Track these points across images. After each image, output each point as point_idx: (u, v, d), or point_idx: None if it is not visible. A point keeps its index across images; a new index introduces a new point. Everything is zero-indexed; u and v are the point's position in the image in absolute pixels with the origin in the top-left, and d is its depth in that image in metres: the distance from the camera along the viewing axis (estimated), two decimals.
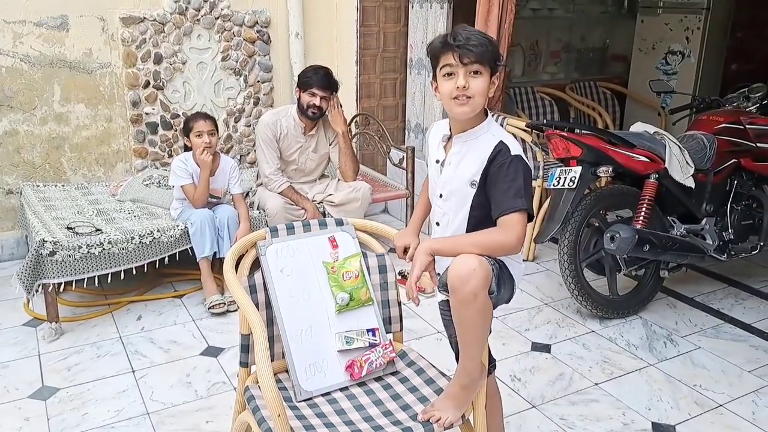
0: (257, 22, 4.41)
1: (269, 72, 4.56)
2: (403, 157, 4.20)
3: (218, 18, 4.27)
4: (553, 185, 3.33)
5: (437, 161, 1.96)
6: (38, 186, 3.94)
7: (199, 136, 3.47)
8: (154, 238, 3.39)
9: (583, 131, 3.36)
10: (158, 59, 4.14)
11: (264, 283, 2.04)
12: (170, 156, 4.28)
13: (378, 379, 2.09)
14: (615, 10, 6.44)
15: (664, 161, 3.32)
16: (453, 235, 1.92)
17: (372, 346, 2.08)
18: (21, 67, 3.84)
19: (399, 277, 2.34)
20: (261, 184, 3.90)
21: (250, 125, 4.55)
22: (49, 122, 3.98)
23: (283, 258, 2.09)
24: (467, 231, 1.89)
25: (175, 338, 3.23)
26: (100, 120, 4.12)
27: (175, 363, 3.02)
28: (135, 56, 4.08)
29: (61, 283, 3.18)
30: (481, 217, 1.85)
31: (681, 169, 3.36)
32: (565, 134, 3.30)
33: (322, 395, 2.01)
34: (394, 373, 2.11)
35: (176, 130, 4.28)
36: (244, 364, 2.03)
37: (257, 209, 3.82)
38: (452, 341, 2.00)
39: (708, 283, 3.92)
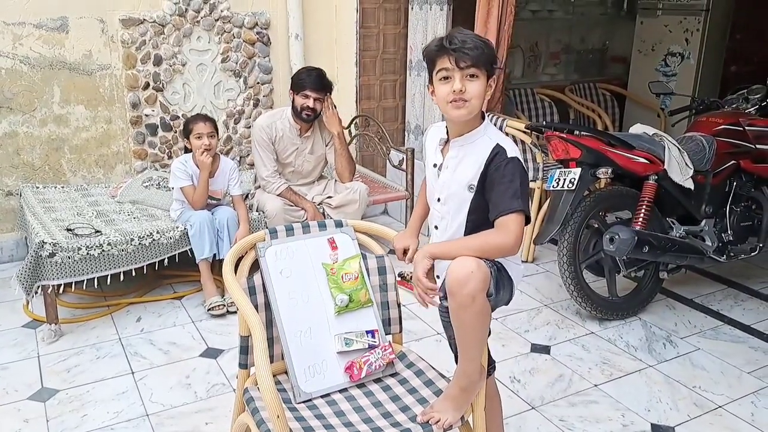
0: (257, 24, 4.42)
1: (269, 74, 4.56)
2: (403, 158, 4.20)
3: (218, 20, 4.27)
4: (553, 187, 3.33)
5: (434, 165, 1.96)
6: (38, 187, 3.94)
7: (198, 137, 3.47)
8: (154, 239, 3.39)
9: (582, 133, 3.36)
10: (158, 61, 4.15)
11: (263, 284, 2.05)
12: (170, 158, 4.28)
13: (377, 380, 2.09)
14: (614, 12, 6.44)
15: (663, 163, 3.32)
16: (451, 238, 1.92)
17: (371, 347, 2.08)
18: (21, 69, 3.84)
19: (398, 279, 2.34)
20: (260, 186, 3.90)
21: (249, 127, 4.55)
22: (49, 124, 3.98)
23: (283, 259, 2.09)
24: (465, 234, 1.89)
25: (175, 340, 3.23)
26: (100, 122, 4.12)
27: (174, 364, 3.02)
28: (135, 58, 4.08)
29: (61, 284, 3.18)
30: (479, 220, 1.85)
31: (680, 170, 3.36)
32: (565, 136, 3.31)
33: (322, 397, 2.01)
34: (393, 375, 2.11)
35: (176, 132, 4.28)
36: (244, 365, 2.03)
37: (256, 211, 3.82)
38: (451, 343, 2.00)
39: (707, 285, 3.92)
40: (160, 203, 3.80)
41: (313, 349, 2.04)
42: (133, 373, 2.94)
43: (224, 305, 3.44)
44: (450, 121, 1.89)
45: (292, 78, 3.83)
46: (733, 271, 4.03)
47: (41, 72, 3.89)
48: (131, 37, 4.04)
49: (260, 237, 2.11)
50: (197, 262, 3.48)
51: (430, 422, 1.84)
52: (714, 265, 3.79)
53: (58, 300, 3.30)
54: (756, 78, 4.38)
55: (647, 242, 3.21)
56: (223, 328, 3.33)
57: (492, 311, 1.85)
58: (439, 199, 1.95)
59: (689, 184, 3.39)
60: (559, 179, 3.30)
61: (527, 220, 1.80)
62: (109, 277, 3.32)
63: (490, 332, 1.93)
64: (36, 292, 3.13)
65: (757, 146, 3.62)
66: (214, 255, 3.49)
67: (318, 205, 3.87)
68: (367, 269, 2.18)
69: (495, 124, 4.03)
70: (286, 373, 2.04)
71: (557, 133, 3.34)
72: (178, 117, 4.27)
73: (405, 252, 2.12)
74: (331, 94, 3.80)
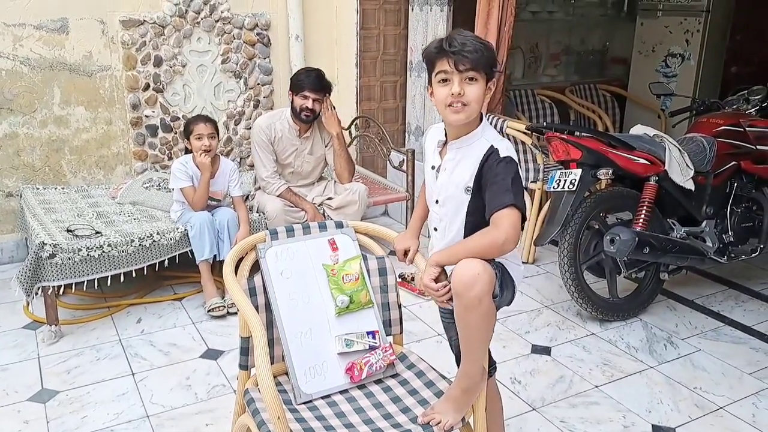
0: (257, 25, 4.42)
1: (269, 75, 4.56)
2: (403, 159, 4.20)
3: (218, 21, 4.27)
4: (553, 188, 3.32)
5: (433, 167, 1.96)
6: (38, 189, 3.94)
7: (199, 138, 3.47)
8: (154, 240, 3.39)
9: (583, 134, 3.36)
10: (158, 62, 4.14)
11: (264, 285, 2.04)
12: (170, 159, 4.28)
13: (378, 381, 2.08)
14: (615, 13, 6.44)
15: (664, 164, 3.32)
16: (452, 241, 1.92)
17: (372, 348, 2.08)
18: (21, 70, 3.84)
19: (399, 280, 2.34)
20: (260, 187, 3.90)
21: (250, 128, 4.54)
22: (49, 125, 3.98)
23: (283, 260, 2.09)
24: (465, 236, 1.89)
25: (175, 341, 3.22)
26: (100, 123, 4.12)
27: (174, 366, 3.01)
28: (135, 59, 4.08)
29: (61, 285, 3.18)
30: (478, 222, 1.84)
31: (681, 171, 3.36)
32: (565, 137, 3.31)
33: (322, 398, 2.00)
34: (394, 376, 2.11)
35: (176, 133, 4.28)
36: (244, 366, 2.02)
37: (257, 212, 3.82)
38: (452, 344, 1.99)
39: (708, 286, 3.92)
40: (161, 204, 3.79)
41: (314, 350, 2.04)
42: (133, 374, 2.94)
43: (224, 306, 3.44)
44: (448, 124, 1.89)
45: (291, 79, 3.83)
46: (734, 272, 4.03)
47: (41, 73, 3.89)
48: (131, 38, 4.04)
49: (261, 238, 2.11)
50: (197, 263, 3.48)
51: (431, 423, 1.84)
52: (715, 266, 3.79)
53: (59, 301, 3.29)
54: (756, 79, 4.38)
55: (648, 243, 3.21)
56: (224, 330, 3.33)
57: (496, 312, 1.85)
58: (437, 201, 1.95)
59: (690, 185, 3.39)
60: (560, 180, 3.30)
61: (523, 218, 1.79)
62: (109, 278, 3.31)
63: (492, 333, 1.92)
64: (36, 294, 3.13)
65: (758, 147, 3.62)
66: (215, 256, 3.49)
67: (318, 206, 3.86)
68: (368, 270, 2.18)
69: (495, 126, 4.05)
70: (286, 374, 2.04)
71: (558, 134, 3.34)
72: (179, 118, 4.27)
73: (406, 253, 2.12)
74: (330, 95, 3.79)
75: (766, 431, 2.60)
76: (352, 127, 4.66)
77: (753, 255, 3.67)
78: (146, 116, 4.21)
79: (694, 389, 2.88)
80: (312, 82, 3.67)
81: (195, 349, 3.15)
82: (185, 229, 3.47)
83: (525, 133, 3.93)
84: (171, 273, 3.73)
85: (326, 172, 4.16)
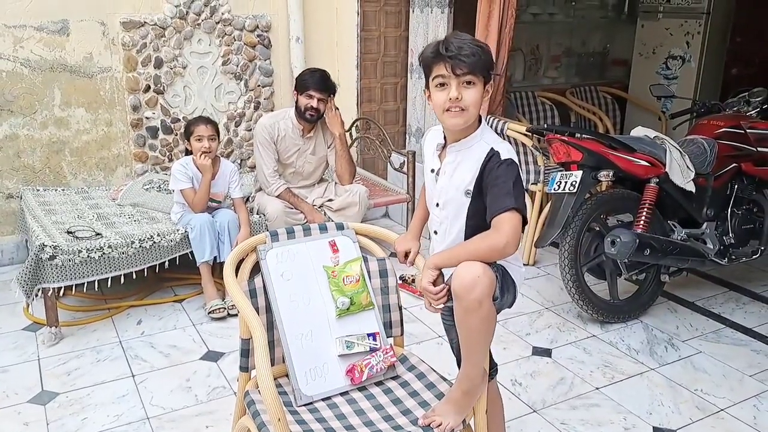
0: (258, 27, 4.42)
1: (270, 76, 4.56)
2: (404, 161, 4.20)
3: (219, 22, 4.27)
4: (554, 190, 3.33)
5: (432, 170, 1.95)
6: (38, 190, 3.94)
7: (199, 140, 3.47)
8: (155, 242, 3.39)
9: (583, 136, 3.36)
10: (159, 63, 4.15)
11: (264, 287, 2.04)
12: (171, 160, 4.28)
13: (378, 383, 2.08)
14: (615, 15, 6.45)
15: (664, 165, 3.32)
16: (452, 243, 1.92)
17: (372, 350, 2.08)
18: (21, 72, 3.84)
19: (400, 282, 2.34)
20: (260, 188, 3.90)
21: (250, 129, 4.56)
22: (50, 126, 3.98)
23: (284, 262, 2.08)
24: (465, 239, 1.88)
25: (175, 343, 3.22)
26: (101, 124, 4.12)
27: (175, 367, 3.01)
28: (135, 60, 4.08)
29: (61, 287, 3.17)
30: (478, 225, 1.84)
31: (681, 173, 3.36)
32: (566, 139, 3.31)
33: (323, 400, 2.00)
34: (394, 378, 2.10)
35: (177, 135, 4.29)
36: (244, 368, 2.02)
37: (257, 214, 3.82)
38: (453, 345, 1.99)
39: (709, 288, 3.92)
40: (161, 206, 3.79)
41: (314, 352, 2.04)
42: (133, 376, 2.94)
43: (225, 308, 3.43)
44: (446, 128, 1.88)
45: (296, 79, 3.85)
46: (735, 274, 4.03)
47: (42, 75, 3.89)
48: (132, 40, 4.04)
49: (261, 240, 2.11)
50: (198, 264, 3.47)
51: (431, 425, 1.83)
52: (715, 268, 3.79)
53: (59, 303, 3.29)
54: (757, 81, 4.39)
55: (648, 245, 3.21)
56: (224, 331, 3.33)
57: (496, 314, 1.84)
58: (437, 204, 1.95)
59: (690, 187, 3.39)
60: (561, 182, 3.30)
61: (524, 221, 1.78)
62: (109, 279, 3.31)
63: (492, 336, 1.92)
64: (36, 295, 3.13)
65: (759, 149, 3.62)
66: (215, 258, 3.48)
67: (319, 207, 3.87)
68: (369, 272, 2.17)
69: (496, 128, 4.05)
70: (287, 376, 2.03)
71: (558, 136, 3.34)
72: (179, 120, 4.27)
73: (406, 255, 2.12)
74: (334, 96, 3.81)
75: None
76: (353, 128, 4.66)
77: (754, 257, 3.67)
78: (147, 118, 4.21)
79: (695, 391, 2.88)
80: (317, 81, 3.69)
81: (195, 351, 3.15)
82: (185, 231, 3.47)
83: (526, 135, 3.93)
84: (171, 275, 3.72)
85: (327, 174, 4.16)
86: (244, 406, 1.97)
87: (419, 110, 4.77)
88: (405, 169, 4.20)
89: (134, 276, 3.38)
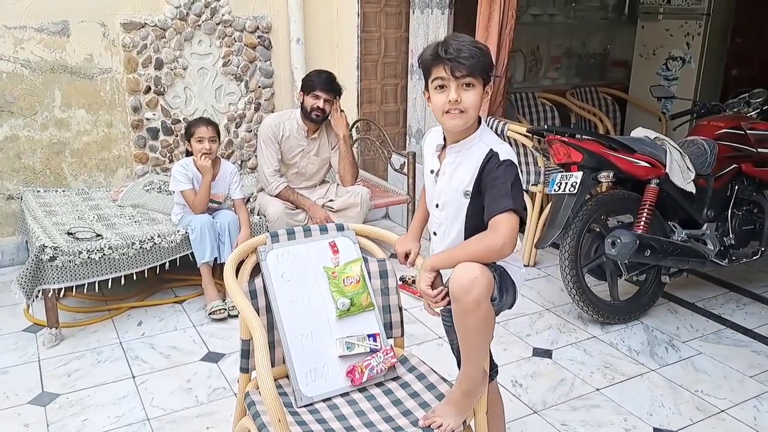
0: (258, 28, 4.42)
1: (270, 77, 4.57)
2: (404, 162, 4.20)
3: (219, 23, 4.28)
4: (554, 191, 3.32)
5: (432, 171, 1.96)
6: (39, 191, 3.94)
7: (199, 141, 3.47)
8: (155, 243, 3.39)
9: (583, 137, 3.36)
10: (159, 65, 4.15)
11: (264, 288, 2.04)
12: (171, 161, 4.28)
13: (379, 384, 2.08)
14: (615, 16, 6.45)
15: (664, 166, 3.32)
16: (451, 244, 1.91)
17: (373, 351, 2.08)
18: (22, 73, 3.84)
19: (400, 283, 2.34)
20: (261, 189, 3.91)
21: (251, 131, 4.56)
22: (50, 128, 3.98)
23: (284, 263, 2.08)
24: (465, 240, 1.88)
25: (176, 344, 3.22)
26: (101, 125, 4.12)
27: (175, 369, 3.01)
28: (136, 62, 4.09)
29: (62, 288, 3.17)
30: (478, 225, 1.84)
31: (682, 174, 3.36)
32: (566, 140, 3.31)
33: (323, 401, 2.00)
34: (395, 379, 2.10)
35: (177, 136, 4.29)
36: (245, 369, 2.02)
37: (258, 215, 3.82)
38: (453, 346, 1.99)
39: (709, 289, 3.92)
40: (161, 207, 3.80)
41: (315, 353, 2.04)
42: (133, 377, 2.94)
43: (225, 309, 3.43)
44: (446, 130, 1.88)
45: (302, 79, 3.88)
46: (735, 275, 4.03)
47: (42, 76, 3.90)
48: (132, 41, 4.05)
49: (261, 240, 2.11)
50: (198, 265, 3.47)
51: (432, 426, 1.83)
52: (716, 269, 3.79)
53: (59, 304, 3.29)
54: (757, 82, 4.39)
55: (649, 246, 3.21)
56: (224, 332, 3.33)
57: (496, 315, 1.84)
58: (437, 205, 1.95)
59: (691, 188, 3.39)
60: (561, 183, 3.30)
61: (522, 222, 1.78)
62: (110, 280, 3.31)
63: (492, 337, 1.92)
64: (37, 296, 3.13)
65: (759, 150, 3.62)
66: (215, 259, 3.48)
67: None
68: (369, 273, 2.17)
69: (496, 129, 4.05)
70: (287, 377, 2.03)
71: (558, 137, 3.34)
72: (180, 121, 4.27)
73: (407, 256, 2.12)
74: (340, 97, 3.82)
75: None
76: (353, 129, 4.66)
77: (754, 258, 3.67)
78: (147, 119, 4.21)
79: (695, 392, 2.88)
80: (324, 82, 3.71)
81: (196, 352, 3.15)
82: (186, 232, 3.47)
83: (526, 136, 3.93)
84: (172, 276, 3.72)
85: (329, 176, 4.16)
86: (245, 407, 1.97)
87: (419, 111, 4.77)
88: (405, 170, 4.21)
89: (135, 277, 3.38)
